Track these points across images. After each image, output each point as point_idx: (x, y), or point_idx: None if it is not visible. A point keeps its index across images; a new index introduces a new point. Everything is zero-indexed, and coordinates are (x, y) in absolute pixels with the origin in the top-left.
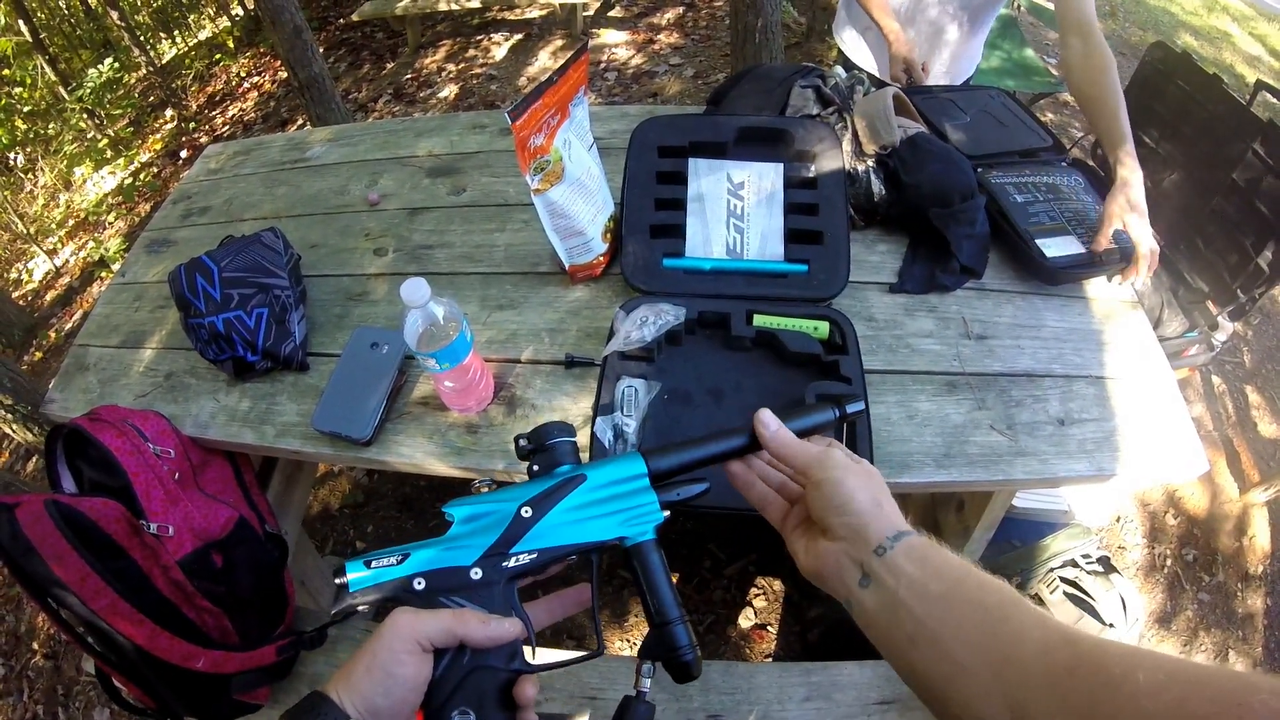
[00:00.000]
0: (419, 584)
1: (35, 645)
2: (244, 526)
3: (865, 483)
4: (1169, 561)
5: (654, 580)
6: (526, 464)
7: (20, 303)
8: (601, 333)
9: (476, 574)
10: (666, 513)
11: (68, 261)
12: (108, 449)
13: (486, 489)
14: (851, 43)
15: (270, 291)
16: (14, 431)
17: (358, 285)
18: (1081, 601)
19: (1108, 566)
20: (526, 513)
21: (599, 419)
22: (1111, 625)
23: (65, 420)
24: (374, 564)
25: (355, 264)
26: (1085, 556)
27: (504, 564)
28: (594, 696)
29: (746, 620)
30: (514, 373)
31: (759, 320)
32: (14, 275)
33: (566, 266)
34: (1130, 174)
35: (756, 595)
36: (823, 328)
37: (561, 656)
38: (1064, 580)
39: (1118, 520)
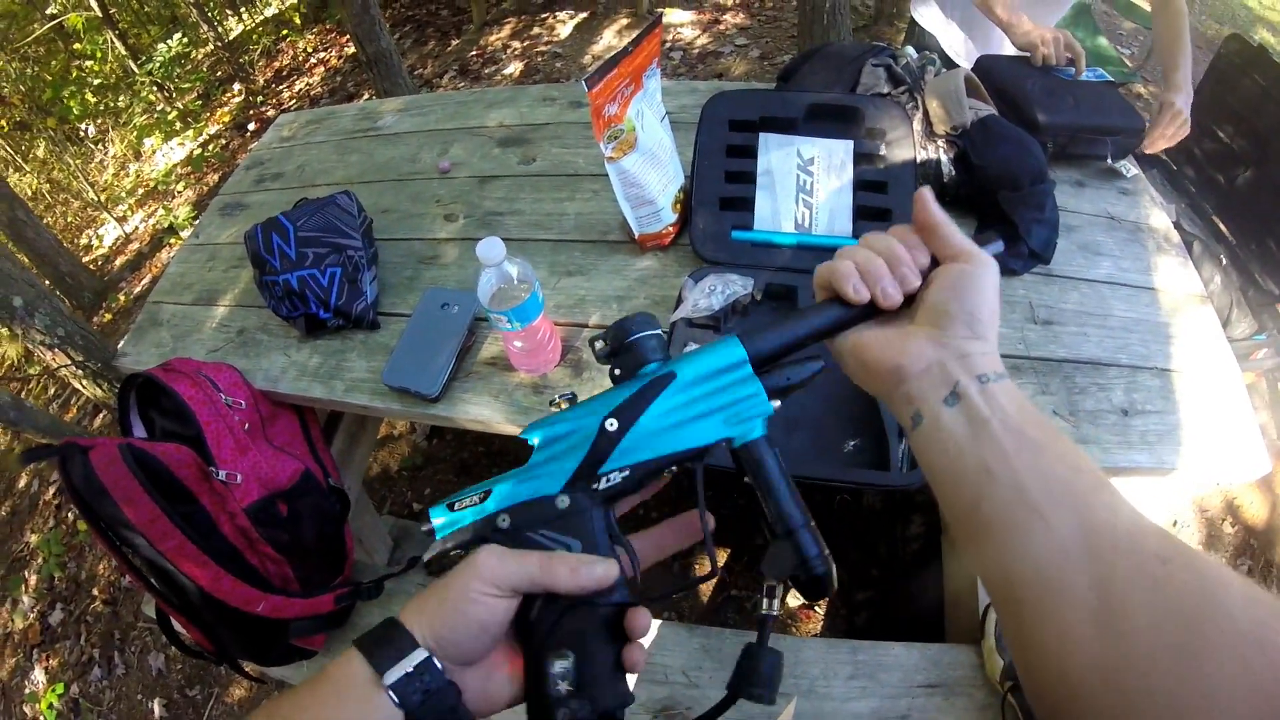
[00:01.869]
0: (504, 521)
1: (95, 591)
2: (309, 479)
3: (997, 301)
4: None
5: (770, 482)
6: (608, 368)
7: (91, 267)
8: (668, 301)
9: (564, 502)
10: (776, 403)
11: (137, 228)
12: (181, 398)
13: (566, 404)
14: (933, 21)
15: (344, 251)
16: (83, 387)
17: (428, 249)
18: None
19: None
20: (612, 425)
21: None
22: None
23: (139, 371)
24: (457, 506)
25: (426, 229)
26: None
27: (594, 486)
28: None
29: (794, 599)
30: (581, 337)
31: None
32: (85, 241)
33: (636, 235)
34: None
35: None
36: None
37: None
38: None
39: (1174, 525)
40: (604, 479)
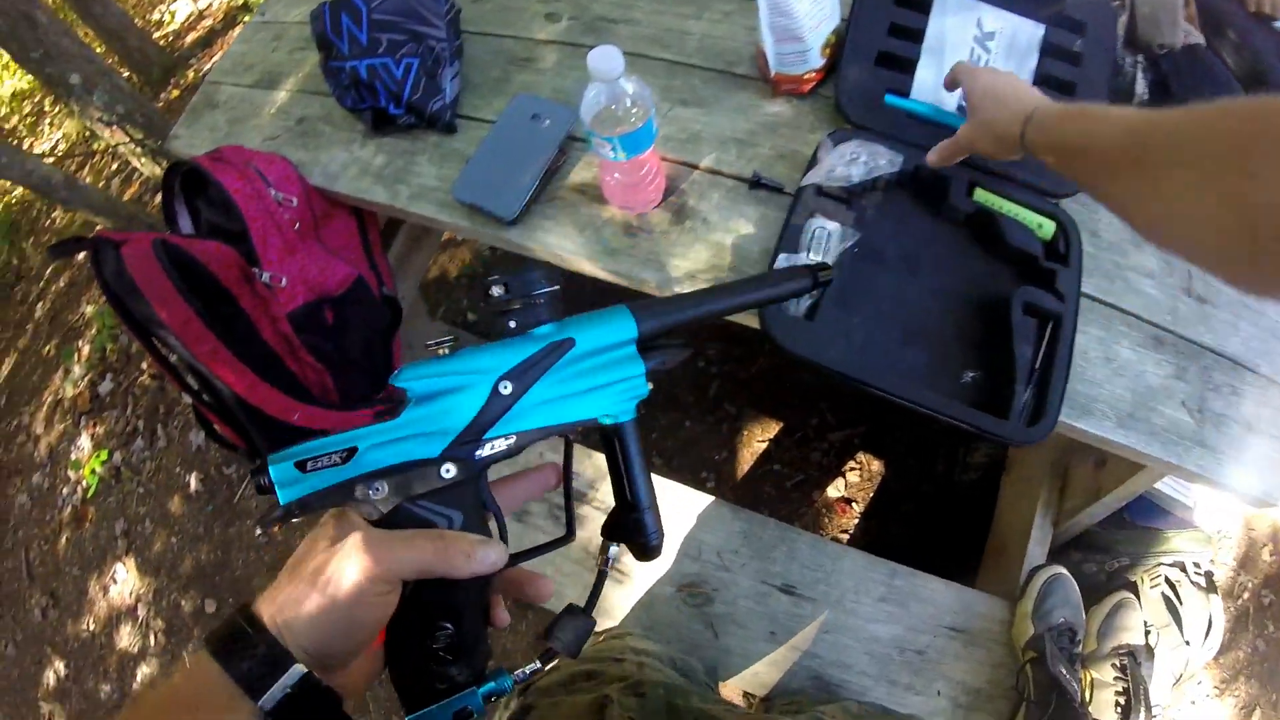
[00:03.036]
0: (376, 489)
1: (144, 365)
2: (361, 286)
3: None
4: (1246, 594)
5: (632, 465)
6: (499, 317)
7: (160, 43)
8: (797, 158)
9: (449, 471)
10: (650, 386)
11: (211, 4)
12: (227, 191)
13: (445, 350)
14: None
15: (424, 41)
16: (142, 165)
17: (523, 49)
18: (1174, 609)
19: (1210, 583)
20: (506, 388)
21: (782, 254)
22: (1189, 643)
23: (187, 157)
24: (311, 466)
25: (523, 26)
26: (1196, 565)
27: (477, 453)
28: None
29: (835, 490)
30: (689, 178)
31: (980, 196)
32: (156, 16)
33: (772, 74)
34: None
35: (852, 469)
36: (1048, 227)
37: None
38: (1168, 581)
39: (1218, 533)
40: (489, 444)
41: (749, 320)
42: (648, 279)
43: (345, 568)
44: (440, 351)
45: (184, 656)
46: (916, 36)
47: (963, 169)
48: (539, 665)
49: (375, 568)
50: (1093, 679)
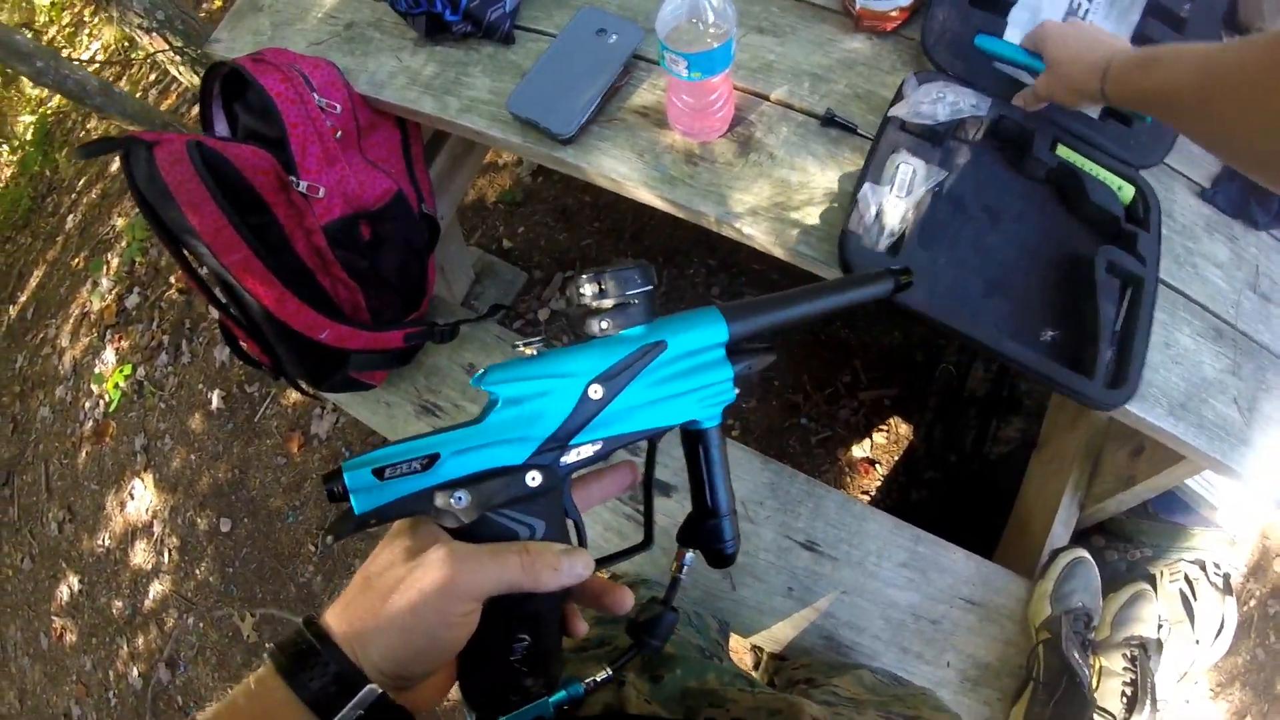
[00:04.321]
0: (459, 499)
1: (172, 279)
2: (401, 201)
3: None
4: (1252, 601)
5: (716, 470)
6: (590, 317)
7: None
8: (874, 99)
9: (534, 479)
10: (736, 391)
11: None
12: (269, 94)
13: (534, 351)
14: None
15: None
16: (181, 75)
17: None
18: (1190, 607)
19: (1227, 585)
20: (596, 392)
21: (867, 184)
22: (1198, 642)
23: (228, 60)
24: (389, 473)
25: None
26: (1216, 566)
27: (562, 459)
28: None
29: (860, 450)
30: (758, 110)
31: (1063, 152)
32: None
33: (856, 7)
34: None
35: (880, 430)
36: (1128, 190)
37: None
38: (1187, 578)
39: (1232, 541)
40: (574, 450)
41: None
42: (706, 212)
43: (428, 585)
44: (528, 352)
45: (246, 676)
46: None
47: (1047, 124)
48: (609, 674)
49: (461, 586)
50: (1102, 666)
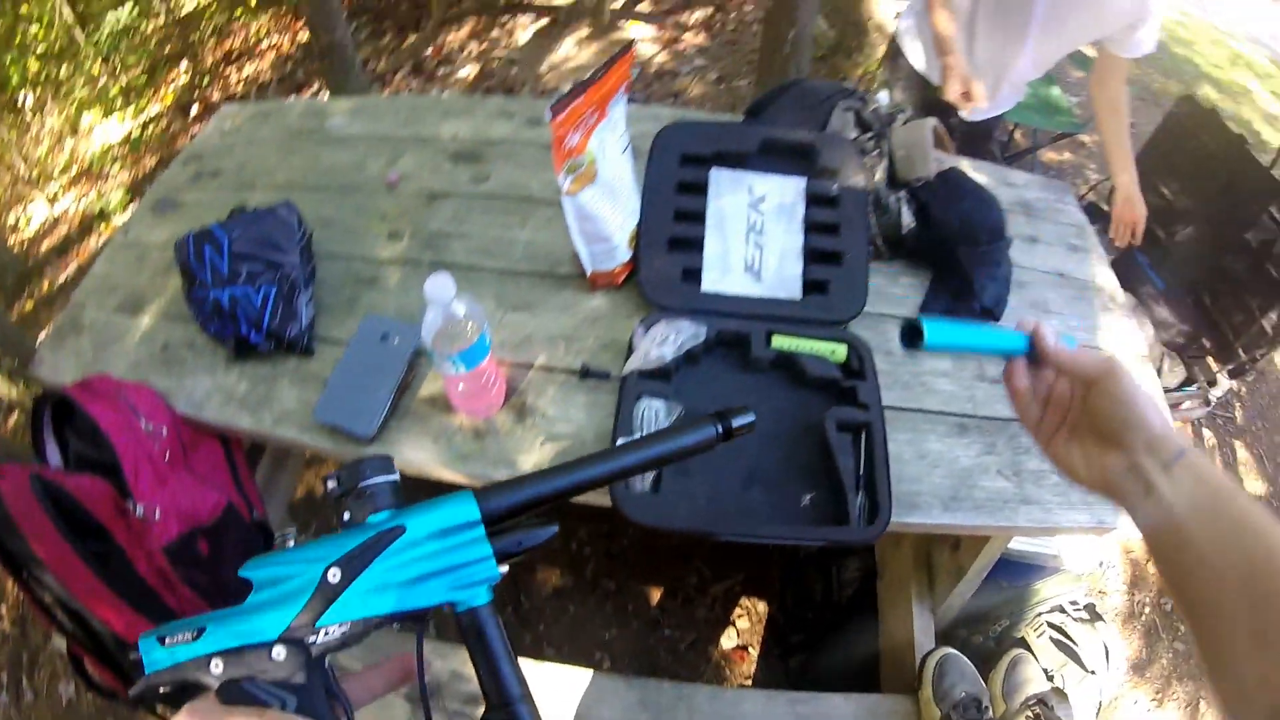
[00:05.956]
0: (216, 667)
1: (2, 611)
2: (232, 512)
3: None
4: (1147, 609)
5: (490, 653)
6: (335, 510)
7: (15, 249)
8: (619, 344)
9: (280, 653)
10: (504, 568)
11: (67, 210)
12: (100, 425)
13: (292, 542)
14: (917, 57)
15: (280, 269)
16: None
17: (369, 269)
18: (1067, 648)
19: (1093, 614)
20: (334, 576)
21: (620, 439)
22: (1093, 672)
23: (55, 385)
24: (169, 640)
25: (368, 247)
26: (1073, 603)
27: (310, 639)
28: None
29: (729, 640)
30: (526, 378)
31: (778, 341)
32: (11, 220)
33: (588, 272)
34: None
35: (740, 616)
36: (840, 350)
37: None
38: (1051, 626)
39: (1100, 565)
40: (322, 631)
41: (603, 498)
42: (500, 478)
43: None
44: (288, 544)
45: None
46: (699, 217)
47: (758, 323)
48: None
49: None
50: None
